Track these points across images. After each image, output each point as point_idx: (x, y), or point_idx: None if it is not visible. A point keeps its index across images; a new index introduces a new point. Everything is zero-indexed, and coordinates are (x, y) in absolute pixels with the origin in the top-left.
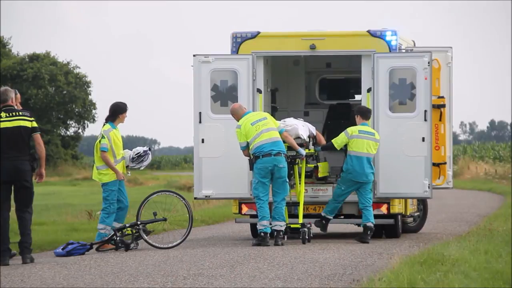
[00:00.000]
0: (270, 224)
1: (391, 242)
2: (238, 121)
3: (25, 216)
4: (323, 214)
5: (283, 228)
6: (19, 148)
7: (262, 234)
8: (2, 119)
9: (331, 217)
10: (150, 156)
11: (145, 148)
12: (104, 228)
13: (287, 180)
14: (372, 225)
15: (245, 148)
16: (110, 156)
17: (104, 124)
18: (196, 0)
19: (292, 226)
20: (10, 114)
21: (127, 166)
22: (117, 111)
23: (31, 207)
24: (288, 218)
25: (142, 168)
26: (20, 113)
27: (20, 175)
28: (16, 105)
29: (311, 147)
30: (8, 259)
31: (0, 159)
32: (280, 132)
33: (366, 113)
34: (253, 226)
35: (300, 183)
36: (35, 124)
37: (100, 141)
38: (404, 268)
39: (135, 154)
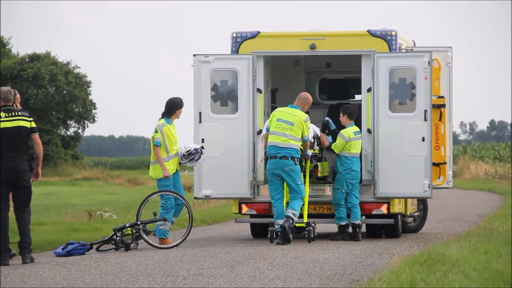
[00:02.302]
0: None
1: (391, 242)
2: (295, 103)
3: (24, 216)
4: (343, 223)
5: (294, 217)
6: (18, 148)
7: (279, 233)
8: (1, 119)
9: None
10: (202, 155)
11: (197, 147)
12: (164, 223)
13: (300, 182)
14: (360, 222)
15: (268, 130)
16: (162, 151)
17: (159, 119)
18: (196, 0)
19: (297, 225)
20: (10, 114)
21: (180, 163)
22: (172, 107)
23: (30, 207)
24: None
25: (195, 165)
26: (19, 113)
27: (19, 175)
28: (16, 105)
29: (316, 147)
30: (8, 259)
31: (0, 159)
32: (305, 141)
33: (353, 114)
34: (253, 226)
35: (304, 183)
36: (33, 125)
37: (154, 136)
38: (404, 268)
39: (186, 151)
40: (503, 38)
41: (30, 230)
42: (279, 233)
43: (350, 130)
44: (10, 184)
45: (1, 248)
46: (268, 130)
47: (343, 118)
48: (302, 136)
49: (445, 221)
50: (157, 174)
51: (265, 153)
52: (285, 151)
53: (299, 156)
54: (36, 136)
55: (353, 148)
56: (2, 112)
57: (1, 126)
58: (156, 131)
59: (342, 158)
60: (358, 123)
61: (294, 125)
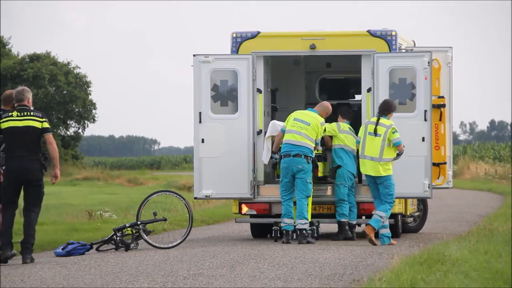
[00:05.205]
0: (295, 222)
1: None
2: (315, 108)
3: (30, 215)
4: (343, 220)
5: (305, 227)
6: (27, 148)
7: (284, 231)
8: (13, 118)
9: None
10: None
11: None
12: (383, 217)
13: (309, 181)
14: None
15: (282, 132)
16: (394, 149)
17: (381, 119)
18: (196, 0)
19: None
20: (22, 114)
21: None
22: (384, 108)
23: (39, 207)
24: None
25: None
26: (32, 113)
27: (29, 174)
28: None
29: (320, 148)
30: (9, 252)
31: (9, 158)
32: (316, 144)
33: (345, 113)
34: (253, 226)
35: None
36: (46, 125)
37: (389, 137)
38: (404, 268)
39: None
40: (503, 38)
41: (35, 231)
42: (283, 232)
43: (345, 124)
44: (18, 184)
45: (3, 242)
46: (283, 131)
47: (339, 117)
48: (315, 139)
49: (445, 221)
50: (385, 171)
51: (279, 151)
52: (299, 149)
53: (312, 156)
54: (49, 136)
55: (348, 141)
56: (15, 112)
57: (12, 125)
58: (394, 131)
59: (339, 151)
60: (358, 123)
61: (310, 125)
